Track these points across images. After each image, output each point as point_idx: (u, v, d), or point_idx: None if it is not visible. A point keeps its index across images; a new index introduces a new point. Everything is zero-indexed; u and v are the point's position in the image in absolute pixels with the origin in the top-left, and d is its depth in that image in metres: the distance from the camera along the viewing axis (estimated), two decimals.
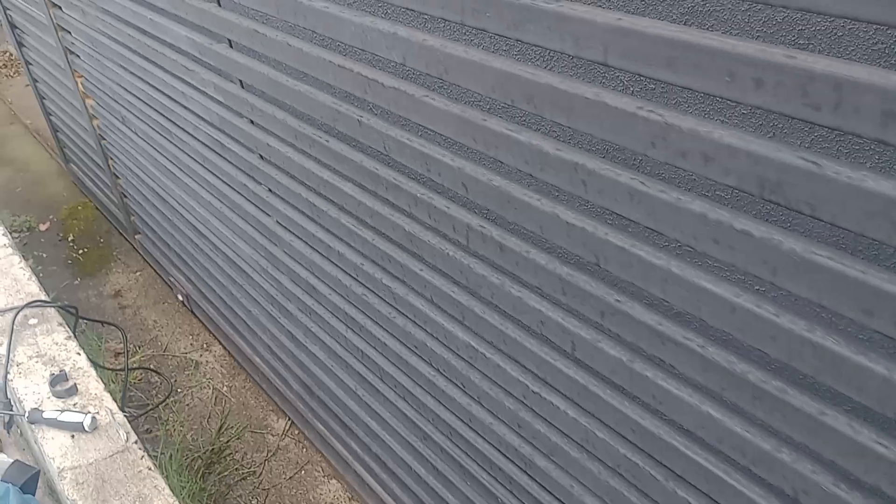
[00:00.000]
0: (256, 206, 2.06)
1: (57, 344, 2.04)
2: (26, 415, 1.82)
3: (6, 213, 3.91)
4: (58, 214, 3.98)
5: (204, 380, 2.86)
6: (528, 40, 0.92)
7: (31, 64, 3.83)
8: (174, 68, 2.07)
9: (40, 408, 1.85)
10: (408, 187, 1.34)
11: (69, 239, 3.78)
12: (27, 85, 5.46)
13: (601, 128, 0.88)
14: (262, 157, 1.89)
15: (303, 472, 2.48)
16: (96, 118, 3.16)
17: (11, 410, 1.90)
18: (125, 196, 3.36)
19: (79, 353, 2.01)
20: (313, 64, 1.41)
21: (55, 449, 1.73)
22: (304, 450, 2.56)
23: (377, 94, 1.27)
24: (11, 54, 5.91)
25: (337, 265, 1.78)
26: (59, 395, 1.84)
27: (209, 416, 2.69)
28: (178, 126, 2.30)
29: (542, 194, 1.04)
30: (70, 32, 2.90)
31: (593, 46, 0.84)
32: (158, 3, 1.93)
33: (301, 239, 1.90)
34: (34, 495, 1.68)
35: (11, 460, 1.74)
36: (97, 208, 3.97)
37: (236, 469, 2.49)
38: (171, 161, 2.54)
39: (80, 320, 2.45)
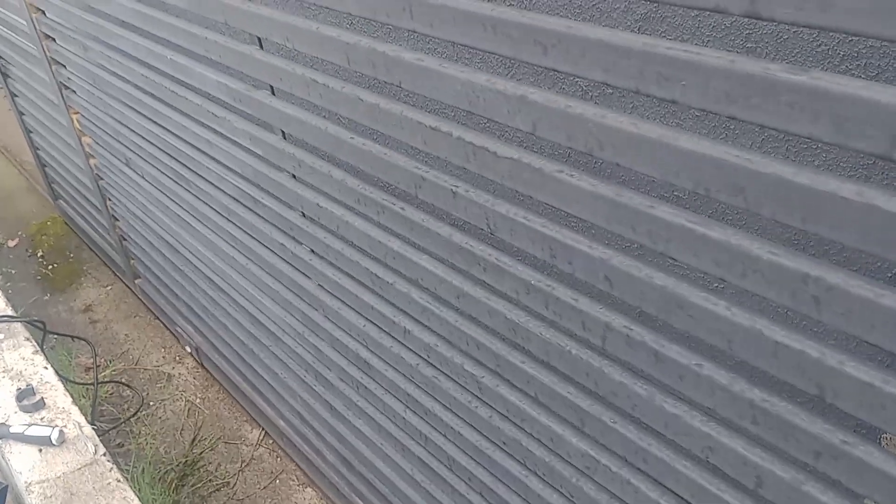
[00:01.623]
0: (294, 266, 1.82)
1: (24, 359, 2.03)
2: None
3: None
4: (27, 230, 3.94)
5: (177, 392, 2.85)
6: (746, 118, 0.71)
7: (16, 96, 3.55)
8: (198, 113, 1.83)
9: (7, 423, 1.83)
10: (517, 271, 1.11)
11: (38, 255, 3.76)
12: None
13: (861, 236, 0.66)
14: (304, 215, 1.66)
15: (277, 481, 2.47)
16: (93, 157, 2.89)
17: None
18: (125, 239, 3.10)
19: (46, 368, 2.00)
20: (393, 123, 1.18)
21: (22, 463, 1.71)
22: (279, 459, 2.53)
23: (485, 164, 1.05)
24: None
25: (400, 342, 1.55)
26: (26, 410, 1.83)
27: (182, 429, 2.68)
28: (198, 174, 2.06)
29: (735, 304, 0.82)
30: (65, 66, 2.64)
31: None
32: (184, 44, 1.69)
33: (352, 308, 1.66)
34: None
35: None
36: (90, 247, 3.71)
37: (210, 480, 2.48)
38: (185, 209, 2.29)
39: (49, 335, 2.35)
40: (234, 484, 2.46)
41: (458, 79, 1.01)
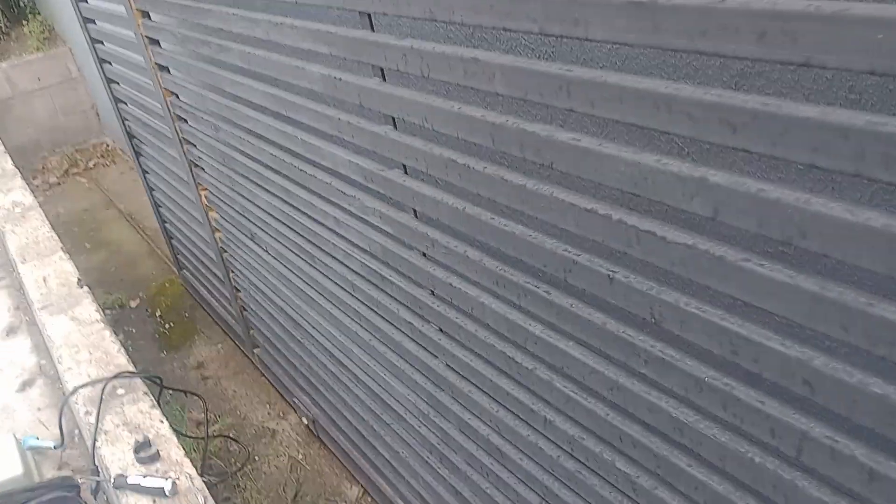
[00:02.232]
0: (420, 344, 1.77)
1: (142, 412, 2.12)
2: (112, 480, 1.88)
3: (100, 291, 4.04)
4: (147, 291, 4.21)
5: (280, 448, 2.94)
6: None
7: (147, 173, 3.76)
8: (327, 192, 1.84)
9: (125, 473, 1.91)
10: (686, 366, 1.00)
11: (156, 314, 3.99)
12: (122, 173, 5.78)
13: None
14: (434, 293, 1.61)
15: None
16: (219, 231, 2.99)
17: (99, 476, 1.98)
18: (245, 310, 3.16)
19: (162, 421, 2.08)
20: (541, 204, 1.12)
21: None
22: None
23: (652, 249, 0.96)
24: (108, 145, 6.39)
25: (539, 431, 1.44)
26: (142, 462, 1.91)
27: (285, 484, 2.76)
28: (324, 251, 2.06)
29: None
30: (196, 146, 2.76)
31: None
32: (316, 125, 1.70)
33: (484, 391, 1.58)
34: None
35: None
36: (211, 316, 3.82)
37: None
38: (309, 284, 2.30)
39: (165, 390, 2.49)
40: None
41: (622, 159, 0.94)
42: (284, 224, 2.26)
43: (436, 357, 1.72)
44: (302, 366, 2.72)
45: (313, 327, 2.41)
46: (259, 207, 2.42)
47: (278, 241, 2.39)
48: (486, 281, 1.36)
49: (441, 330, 1.65)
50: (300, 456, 2.89)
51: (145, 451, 1.92)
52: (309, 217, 2.05)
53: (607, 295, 1.08)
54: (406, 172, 1.51)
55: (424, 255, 1.58)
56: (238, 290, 3.12)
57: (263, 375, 3.35)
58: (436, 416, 1.82)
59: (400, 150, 1.44)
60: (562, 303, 1.19)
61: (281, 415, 3.11)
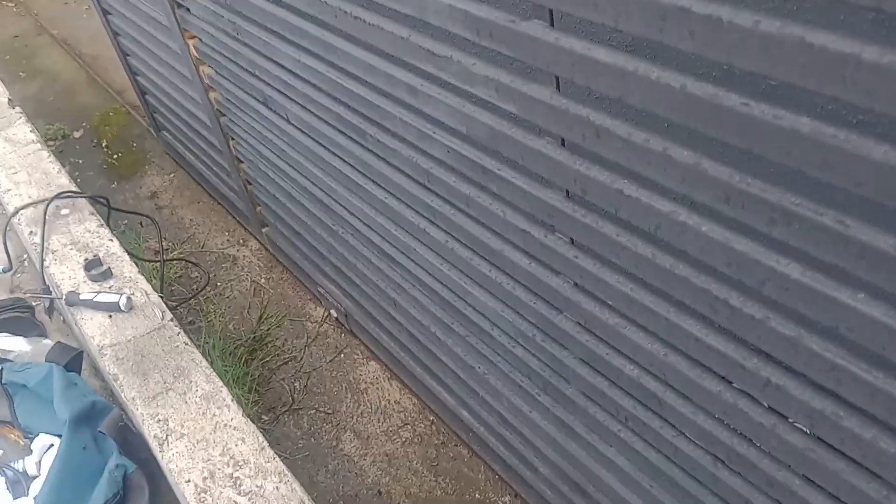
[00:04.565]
0: (536, 258, 1.37)
1: (90, 231, 2.06)
2: (63, 298, 1.88)
3: (40, 122, 3.86)
4: (90, 121, 4.00)
5: (242, 273, 2.92)
6: None
7: (109, 13, 3.10)
8: (398, 48, 1.33)
9: (77, 291, 1.89)
10: None
11: (103, 145, 3.81)
12: None
13: None
14: (569, 194, 1.19)
15: (342, 355, 2.54)
16: (214, 90, 2.45)
17: (51, 294, 1.98)
18: (250, 183, 2.68)
19: (111, 240, 2.03)
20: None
21: (94, 328, 1.75)
22: (343, 335, 2.60)
23: None
24: None
25: (727, 382, 1.09)
26: (94, 279, 1.87)
27: (249, 307, 2.76)
28: (383, 127, 1.59)
29: None
30: None
31: None
32: None
33: (637, 324, 1.21)
34: (79, 374, 1.73)
35: (53, 342, 1.83)
36: (199, 183, 3.39)
37: (278, 355, 2.57)
38: (352, 165, 1.84)
39: (114, 214, 2.40)
40: (301, 358, 2.55)
41: None
42: (319, 89, 1.76)
43: (558, 274, 1.32)
44: (332, 254, 2.31)
45: (354, 215, 1.97)
46: (278, 65, 1.89)
47: (307, 110, 1.89)
48: (663, 177, 0.94)
49: (573, 242, 1.24)
50: (262, 280, 2.89)
51: (96, 269, 1.89)
52: (362, 82, 1.56)
53: None
54: (552, 23, 1.03)
55: (564, 142, 1.13)
56: (241, 161, 2.63)
57: (274, 256, 2.95)
58: (545, 340, 1.46)
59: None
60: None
61: (241, 241, 3.09)
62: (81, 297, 1.85)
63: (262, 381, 2.48)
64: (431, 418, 2.28)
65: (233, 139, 2.56)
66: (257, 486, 1.38)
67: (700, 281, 1.01)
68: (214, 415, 1.53)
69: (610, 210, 1.08)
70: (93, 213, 2.16)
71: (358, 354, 2.53)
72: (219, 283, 2.90)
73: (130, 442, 1.62)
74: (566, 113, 1.06)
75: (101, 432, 1.58)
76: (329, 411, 2.37)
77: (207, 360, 1.72)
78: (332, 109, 1.75)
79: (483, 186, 1.36)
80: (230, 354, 2.52)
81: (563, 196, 1.20)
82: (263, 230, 2.84)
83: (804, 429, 0.98)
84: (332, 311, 2.61)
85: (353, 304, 2.40)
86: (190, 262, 2.98)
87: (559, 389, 1.51)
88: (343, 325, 2.61)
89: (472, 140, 1.31)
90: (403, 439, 2.26)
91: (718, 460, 1.19)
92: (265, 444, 1.47)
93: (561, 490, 1.74)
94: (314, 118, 1.88)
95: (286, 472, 1.42)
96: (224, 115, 2.49)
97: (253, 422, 2.08)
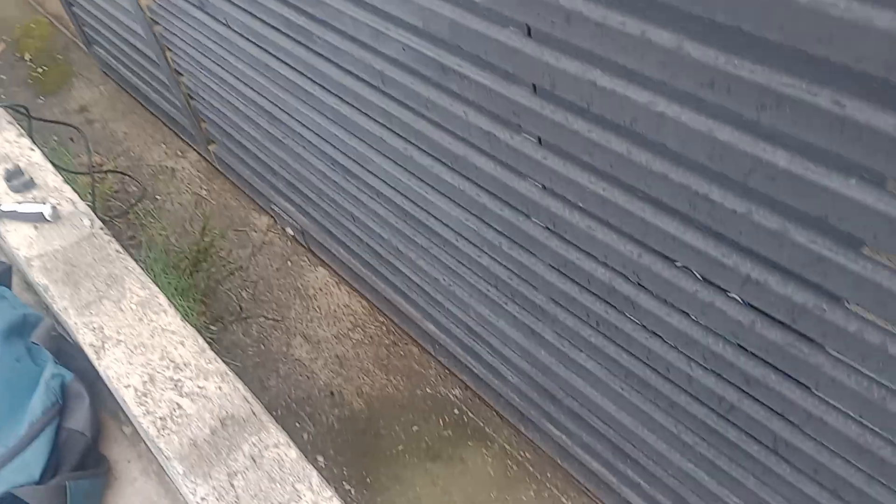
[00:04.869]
0: (501, 161, 1.29)
1: (9, 142, 1.94)
2: None
3: None
4: (10, 35, 3.75)
5: (182, 185, 2.84)
6: None
7: None
8: None
9: None
10: None
11: (26, 58, 3.58)
12: None
13: None
14: (536, 90, 1.10)
15: (289, 263, 2.52)
16: None
17: None
18: (192, 98, 2.52)
19: (32, 149, 1.91)
20: None
21: (19, 240, 1.69)
22: (289, 242, 2.57)
23: None
24: None
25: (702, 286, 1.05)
26: (16, 190, 1.78)
27: (191, 220, 2.70)
28: (332, 27, 1.46)
29: None
30: None
31: None
32: None
33: (610, 226, 1.16)
34: (9, 289, 1.67)
35: None
36: (131, 95, 3.22)
37: (223, 265, 2.54)
38: (301, 72, 1.71)
39: (41, 129, 2.31)
40: (248, 267, 2.52)
41: None
42: None
43: (525, 177, 1.25)
44: (285, 169, 2.20)
45: (305, 126, 1.86)
46: None
47: (248, 12, 1.74)
48: (641, 64, 0.87)
49: (541, 141, 1.17)
50: (204, 192, 2.79)
51: (17, 179, 1.78)
52: None
53: None
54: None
55: (530, 31, 1.05)
56: (180, 74, 2.46)
57: (226, 177, 2.81)
58: (512, 247, 1.41)
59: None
60: None
61: (179, 153, 2.96)
62: (3, 208, 1.75)
63: (208, 292, 2.45)
64: (381, 319, 2.29)
65: (170, 50, 2.38)
66: (199, 387, 1.37)
67: (679, 176, 0.95)
68: (151, 320, 1.50)
69: (581, 104, 1.01)
70: (11, 123, 2.01)
71: (305, 261, 2.51)
72: (158, 197, 2.80)
73: (67, 352, 1.58)
74: None
75: (34, 343, 1.52)
76: (278, 318, 2.36)
77: (150, 274, 1.60)
78: (274, 10, 1.61)
79: (443, 86, 1.26)
80: (174, 267, 2.48)
81: (529, 92, 1.12)
82: (210, 147, 2.69)
83: (786, 323, 0.96)
84: (288, 229, 2.52)
85: (310, 220, 2.31)
86: (124, 174, 2.86)
87: (527, 297, 1.47)
88: (300, 243, 2.53)
89: (430, 35, 1.21)
90: (354, 341, 2.27)
91: (693, 360, 1.17)
92: (205, 346, 1.45)
93: (531, 397, 1.74)
94: (256, 21, 1.73)
95: (228, 371, 1.40)
96: (158, 23, 2.31)
97: (200, 332, 2.10)
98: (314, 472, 1.24)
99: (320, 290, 2.42)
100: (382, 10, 1.28)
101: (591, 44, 0.92)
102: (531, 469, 1.91)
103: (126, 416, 1.53)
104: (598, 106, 0.99)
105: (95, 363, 1.45)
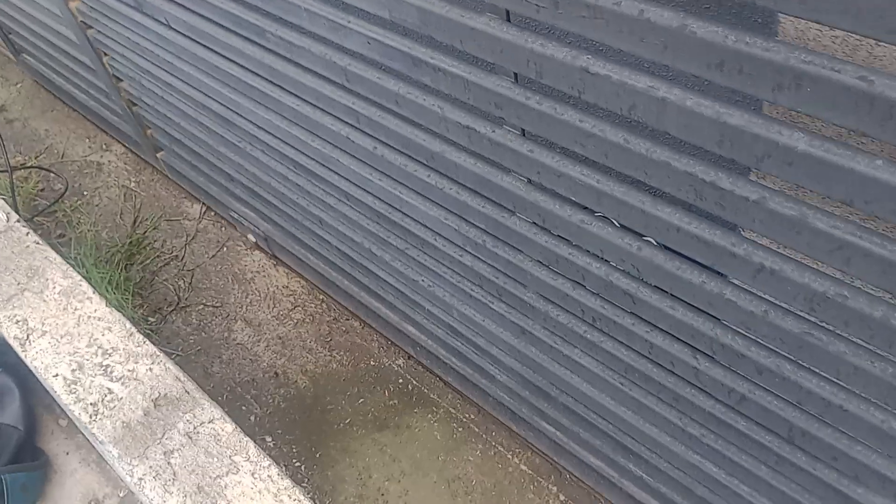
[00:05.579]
0: (480, 154, 1.22)
1: None
2: None
3: None
4: None
5: (109, 179, 2.80)
6: None
7: None
8: None
9: None
10: None
11: None
12: None
13: None
14: (517, 80, 1.03)
15: (225, 248, 2.51)
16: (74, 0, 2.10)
17: None
18: (134, 104, 2.38)
19: None
20: None
21: None
22: (223, 228, 2.56)
23: None
24: None
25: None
26: None
27: (121, 213, 2.67)
28: (282, 21, 1.36)
29: None
30: None
31: None
32: None
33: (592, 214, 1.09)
34: None
35: None
36: (49, 91, 3.11)
37: (158, 256, 2.52)
38: (251, 70, 1.60)
39: None
40: (183, 256, 2.51)
41: None
42: None
43: (509, 172, 1.18)
44: (242, 174, 2.08)
45: (262, 128, 1.76)
46: None
47: (189, 10, 1.62)
48: (640, 47, 0.80)
49: (525, 134, 1.10)
50: (133, 184, 2.76)
51: None
52: None
53: None
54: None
55: (510, 16, 0.97)
56: (119, 80, 2.31)
57: (176, 183, 2.68)
58: (497, 245, 1.33)
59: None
60: None
61: (104, 147, 2.90)
62: None
63: (144, 284, 2.45)
64: (321, 297, 2.31)
65: (106, 55, 2.24)
66: (129, 371, 1.38)
67: (683, 164, 0.89)
68: (76, 308, 1.50)
69: (572, 93, 0.94)
70: None
71: (241, 246, 2.50)
72: (85, 192, 2.75)
73: None
74: None
75: None
76: (217, 304, 2.36)
77: (81, 270, 1.60)
78: (219, 6, 1.50)
79: (414, 81, 1.18)
80: (106, 262, 2.45)
81: (510, 82, 1.04)
82: (158, 155, 2.55)
83: (802, 313, 0.91)
84: (250, 236, 2.41)
85: (273, 226, 2.21)
86: (45, 169, 2.81)
87: (515, 295, 1.40)
88: (264, 250, 2.42)
89: (398, 27, 1.12)
90: (295, 321, 2.28)
91: (699, 352, 1.12)
92: (133, 329, 1.45)
93: (522, 395, 1.68)
94: (200, 20, 1.62)
95: (158, 353, 1.41)
96: (91, 27, 2.16)
97: (138, 323, 2.14)
98: (251, 444, 1.25)
99: (258, 272, 2.42)
100: (342, 2, 1.18)
101: (582, 27, 0.85)
102: (476, 430, 1.95)
103: (62, 408, 1.53)
104: (590, 94, 0.92)
105: (21, 355, 1.43)
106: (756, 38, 0.72)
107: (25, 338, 1.43)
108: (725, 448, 1.22)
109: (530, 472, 1.86)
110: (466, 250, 1.44)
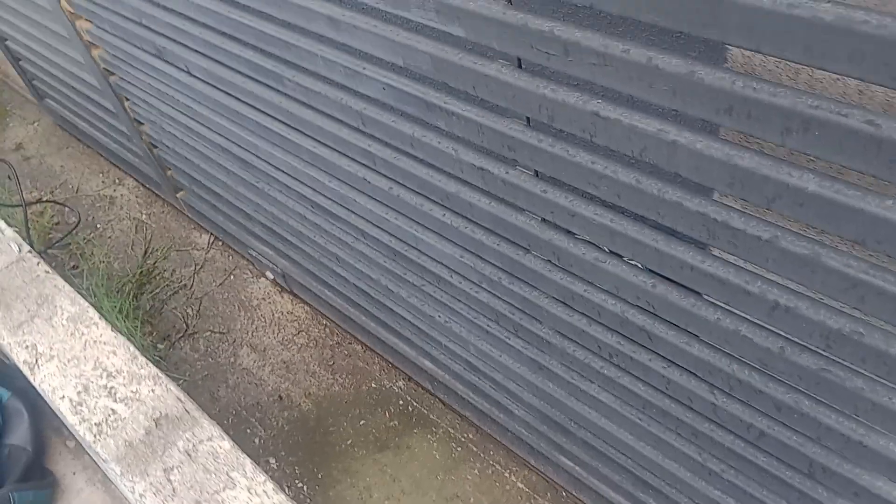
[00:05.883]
0: (496, 196, 1.24)
1: None
2: None
3: None
4: None
5: (121, 212, 2.89)
6: None
7: None
8: None
9: None
10: None
11: None
12: None
13: None
14: (530, 123, 1.05)
15: (232, 276, 2.58)
16: (96, 47, 2.16)
17: None
18: (155, 146, 2.43)
19: None
20: None
21: None
22: (230, 257, 2.63)
23: None
24: None
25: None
26: None
27: (132, 245, 2.75)
28: (301, 68, 1.40)
29: None
30: None
31: None
32: None
33: (615, 254, 1.11)
34: None
35: None
36: (64, 129, 3.21)
37: (167, 285, 2.58)
38: (268, 114, 1.64)
39: None
40: (192, 285, 2.57)
41: None
42: (221, 32, 1.55)
43: (523, 211, 1.20)
44: (260, 214, 2.12)
45: (280, 170, 1.79)
46: (168, 9, 1.65)
47: (209, 58, 1.67)
48: (649, 93, 0.82)
49: (538, 175, 1.12)
50: (144, 216, 2.85)
51: None
52: (272, 19, 1.36)
53: None
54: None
55: (521, 64, 1.00)
56: (140, 123, 2.37)
57: (198, 224, 2.73)
58: (513, 282, 1.35)
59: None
60: None
61: (117, 181, 3.01)
62: None
63: (153, 312, 2.51)
64: (325, 322, 2.36)
65: (128, 100, 2.29)
66: (132, 392, 1.43)
67: (694, 204, 0.90)
68: (83, 333, 1.56)
69: (584, 136, 0.96)
70: None
71: (248, 274, 2.56)
72: (98, 225, 2.85)
73: (4, 373, 1.63)
74: (524, 29, 0.92)
75: None
76: (224, 331, 2.41)
77: (92, 299, 1.60)
78: (238, 55, 1.54)
79: (428, 124, 1.21)
80: (117, 292, 2.51)
81: (523, 125, 1.06)
82: (178, 195, 2.60)
83: (818, 350, 0.91)
84: (268, 273, 2.44)
85: (291, 263, 2.24)
86: (59, 203, 2.91)
87: (531, 331, 1.41)
88: (283, 286, 2.45)
89: (412, 73, 1.15)
90: (299, 345, 2.33)
91: (716, 388, 1.12)
92: (136, 353, 1.51)
93: (539, 430, 1.68)
94: (219, 67, 1.66)
95: (160, 375, 1.46)
96: (113, 73, 2.22)
97: (147, 350, 2.29)
98: (248, 461, 1.29)
99: (263, 299, 2.48)
100: (358, 50, 1.22)
101: (592, 74, 0.88)
102: (474, 448, 1.98)
103: (69, 430, 1.58)
104: (602, 137, 0.94)
105: (30, 379, 1.49)
106: (763, 83, 0.74)
107: (34, 362, 1.50)
108: (746, 483, 1.21)
109: (527, 489, 1.89)
110: (482, 287, 1.45)
